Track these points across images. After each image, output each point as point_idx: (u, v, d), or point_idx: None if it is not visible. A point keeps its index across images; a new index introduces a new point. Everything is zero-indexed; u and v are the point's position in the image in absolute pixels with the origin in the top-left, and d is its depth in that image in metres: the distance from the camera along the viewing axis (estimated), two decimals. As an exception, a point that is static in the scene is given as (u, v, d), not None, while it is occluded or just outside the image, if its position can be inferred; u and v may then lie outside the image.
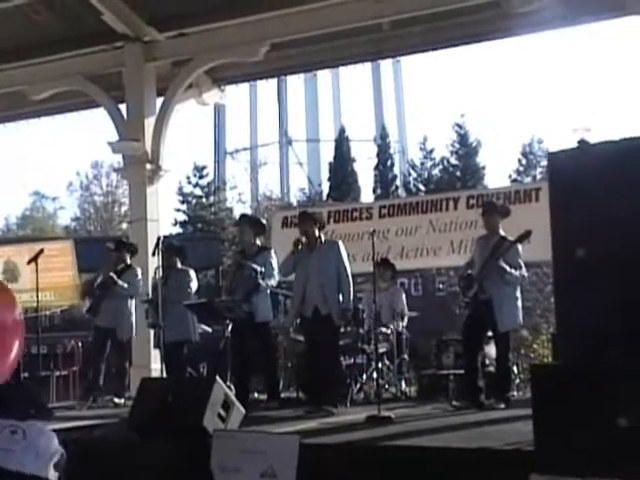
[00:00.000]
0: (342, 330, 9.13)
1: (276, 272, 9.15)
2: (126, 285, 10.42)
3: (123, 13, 11.96)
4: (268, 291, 9.23)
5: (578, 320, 5.17)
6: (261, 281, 8.96)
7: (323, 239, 8.77)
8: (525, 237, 8.39)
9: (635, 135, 5.27)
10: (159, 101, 12.64)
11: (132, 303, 10.51)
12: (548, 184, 5.65)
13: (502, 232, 8.65)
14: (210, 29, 11.95)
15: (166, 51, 12.49)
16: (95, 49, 12.61)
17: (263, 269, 8.99)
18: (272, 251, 9.38)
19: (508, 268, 8.30)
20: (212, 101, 13.66)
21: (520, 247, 8.47)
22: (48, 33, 12.45)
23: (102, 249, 11.30)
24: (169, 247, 9.51)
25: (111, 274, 10.28)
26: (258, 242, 9.49)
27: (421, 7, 10.69)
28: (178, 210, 34.10)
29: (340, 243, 8.77)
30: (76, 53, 12.61)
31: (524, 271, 8.51)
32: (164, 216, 13.08)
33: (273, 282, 9.21)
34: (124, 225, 39.32)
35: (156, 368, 10.94)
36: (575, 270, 5.23)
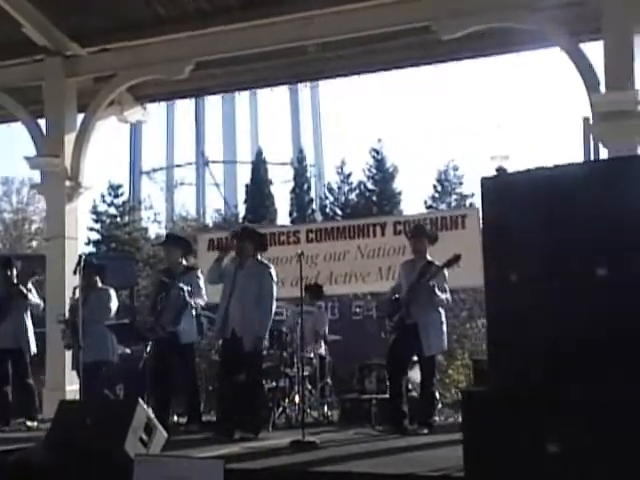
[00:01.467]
0: (265, 353, 9.02)
1: (204, 292, 9.03)
2: (38, 301, 10.13)
3: (44, 26, 11.76)
4: (194, 312, 9.07)
5: (508, 345, 5.19)
6: (190, 300, 8.81)
7: (257, 260, 8.59)
8: (454, 261, 8.46)
9: (566, 163, 5.36)
10: (80, 117, 12.39)
11: (29, 319, 10.16)
12: (481, 209, 5.67)
13: (429, 257, 8.69)
14: (134, 45, 11.79)
15: (88, 66, 12.28)
16: (14, 62, 12.33)
17: (189, 288, 8.84)
18: (199, 271, 9.22)
19: (437, 290, 8.33)
20: (134, 119, 13.48)
21: (446, 272, 8.52)
22: (-36, 44, 12.14)
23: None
24: (89, 265, 9.26)
25: (21, 287, 9.93)
26: (184, 262, 9.35)
27: (350, 30, 10.70)
28: (92, 229, 33.51)
29: (272, 268, 8.54)
30: (-6, 65, 12.31)
31: (449, 295, 8.58)
32: (81, 234, 12.81)
33: (201, 302, 9.07)
34: (34, 243, 38.52)
35: (71, 390, 10.67)
36: (507, 295, 5.25)
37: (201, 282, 9.05)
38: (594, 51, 9.65)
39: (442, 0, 10.15)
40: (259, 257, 8.63)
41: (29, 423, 9.79)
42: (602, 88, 9.34)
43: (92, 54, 12.17)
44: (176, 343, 8.86)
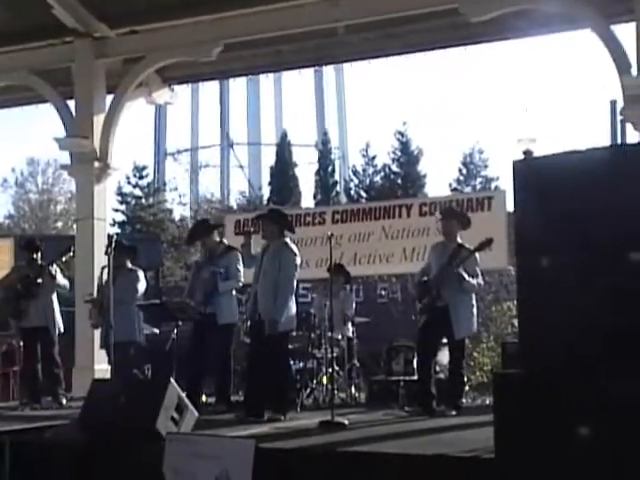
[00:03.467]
0: (293, 334, 9.06)
1: (241, 274, 9.07)
2: (64, 282, 10.25)
3: (74, 8, 11.80)
4: (233, 292, 9.15)
5: (539, 328, 5.20)
6: (220, 284, 8.87)
7: (282, 242, 8.48)
8: (486, 245, 8.45)
9: (599, 146, 5.35)
10: (108, 98, 12.46)
11: (56, 299, 10.30)
12: (512, 192, 5.65)
13: (459, 239, 8.69)
14: (163, 27, 11.83)
15: (117, 48, 12.32)
16: (44, 43, 12.41)
17: (222, 270, 8.91)
18: (238, 252, 9.19)
19: (466, 276, 8.34)
20: (162, 100, 13.51)
21: (477, 255, 8.52)
22: (-4, 25, 12.22)
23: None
24: (119, 246, 9.33)
25: (50, 268, 10.04)
26: (225, 241, 9.44)
27: (376, 12, 10.69)
28: (117, 210, 33.69)
29: (295, 251, 8.39)
30: (24, 47, 12.39)
31: (481, 279, 8.59)
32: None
33: (237, 284, 9.14)
34: (59, 224, 38.77)
35: (100, 369, 10.79)
36: (538, 279, 5.25)
37: (240, 263, 9.06)
38: (626, 33, 9.60)
39: (471, -19, 10.08)
40: (286, 239, 8.59)
41: (63, 400, 9.97)
42: (634, 71, 9.27)
43: (121, 36, 12.23)
44: (214, 324, 8.93)
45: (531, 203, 5.38)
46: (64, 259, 10.42)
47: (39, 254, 10.25)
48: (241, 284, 9.24)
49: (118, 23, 12.06)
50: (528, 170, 5.51)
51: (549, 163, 5.51)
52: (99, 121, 12.24)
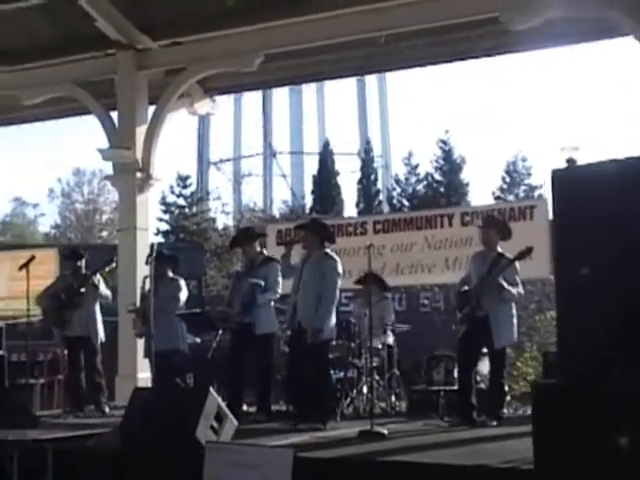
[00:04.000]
0: (333, 344, 9.08)
1: (280, 285, 9.12)
2: (107, 292, 10.35)
3: (116, 20, 11.93)
4: (272, 303, 9.22)
5: (580, 338, 5.16)
6: (259, 296, 8.94)
7: (323, 252, 8.58)
8: (526, 254, 8.38)
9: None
10: (150, 109, 12.58)
11: (98, 309, 10.40)
12: (552, 202, 5.62)
13: (499, 249, 8.65)
14: (204, 38, 11.93)
15: (159, 59, 12.46)
16: (87, 56, 12.58)
17: (263, 283, 8.96)
18: (277, 263, 9.25)
19: (506, 285, 8.30)
20: (203, 111, 13.64)
21: (518, 264, 8.47)
22: (41, 38, 12.45)
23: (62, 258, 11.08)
24: (160, 255, 9.42)
25: (93, 278, 10.16)
26: (265, 252, 9.50)
27: (419, 21, 10.70)
28: (161, 220, 34.00)
29: (337, 261, 8.50)
30: (68, 59, 12.58)
31: (521, 289, 8.52)
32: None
33: (274, 296, 9.19)
34: (104, 233, 39.23)
35: (142, 377, 10.88)
36: (578, 288, 5.21)
37: (279, 273, 9.10)
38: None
39: (510, -9, 10.05)
40: (326, 249, 8.66)
41: (106, 408, 10.06)
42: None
43: (163, 47, 12.35)
44: (251, 333, 8.97)
45: (570, 212, 5.34)
46: (107, 269, 10.54)
47: (83, 263, 10.36)
48: (279, 295, 9.27)
49: (160, 35, 12.18)
50: (567, 179, 5.48)
51: (588, 172, 5.49)
52: (141, 132, 12.35)
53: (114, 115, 12.65)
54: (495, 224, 8.97)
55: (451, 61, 11.98)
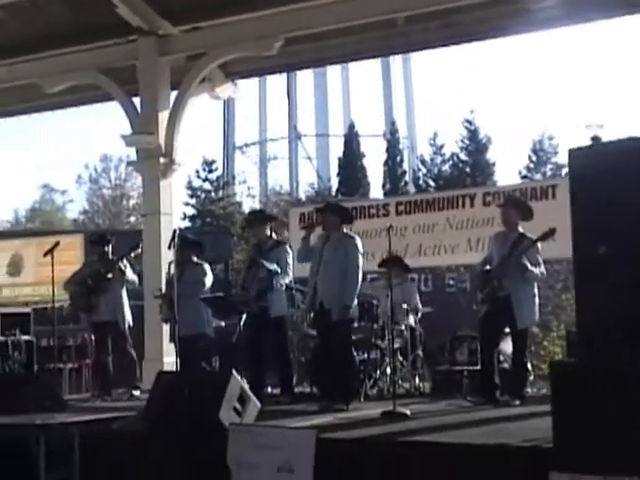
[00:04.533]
0: (356, 325, 9.12)
1: (290, 268, 9.19)
2: (134, 277, 10.44)
3: (137, 6, 11.98)
4: (283, 287, 9.28)
5: (598, 318, 5.17)
6: (275, 282, 9.06)
7: (342, 232, 8.66)
8: (549, 235, 8.33)
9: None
10: (173, 95, 12.63)
11: (125, 294, 10.51)
12: (569, 181, 5.61)
13: (521, 229, 8.64)
14: (224, 23, 11.95)
15: (180, 45, 12.48)
16: (109, 42, 12.63)
17: (279, 269, 9.04)
18: (287, 246, 9.39)
19: (529, 265, 8.28)
20: (225, 95, 13.66)
21: (539, 245, 8.45)
22: (62, 26, 12.48)
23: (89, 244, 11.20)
24: (184, 241, 9.48)
25: (120, 263, 10.26)
26: (274, 236, 9.54)
27: (434, 2, 10.67)
28: (187, 204, 34.07)
29: (358, 240, 8.60)
30: (90, 46, 12.63)
31: (543, 269, 8.50)
32: (175, 210, 13.09)
33: (287, 279, 9.27)
34: (132, 218, 39.41)
35: (169, 362, 10.97)
36: (596, 268, 5.21)
37: (289, 257, 9.20)
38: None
39: (531, -32, 9.99)
40: (345, 230, 8.72)
41: (134, 392, 10.13)
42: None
43: (184, 33, 12.38)
44: (267, 317, 9.06)
45: (587, 191, 5.35)
46: (133, 254, 10.63)
47: (110, 248, 10.46)
48: (291, 278, 9.35)
49: (180, 20, 12.21)
50: (584, 158, 5.48)
51: (606, 150, 5.48)
52: (164, 117, 12.40)
53: (137, 101, 12.70)
54: (515, 204, 8.96)
55: (468, 41, 11.92)
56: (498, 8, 10.77)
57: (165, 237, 11.64)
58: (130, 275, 10.42)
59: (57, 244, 9.50)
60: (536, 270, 8.37)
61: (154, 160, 12.36)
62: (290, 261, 9.18)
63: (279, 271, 9.08)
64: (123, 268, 10.28)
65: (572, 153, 5.62)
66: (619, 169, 5.19)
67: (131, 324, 10.51)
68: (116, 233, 13.63)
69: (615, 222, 5.15)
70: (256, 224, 9.68)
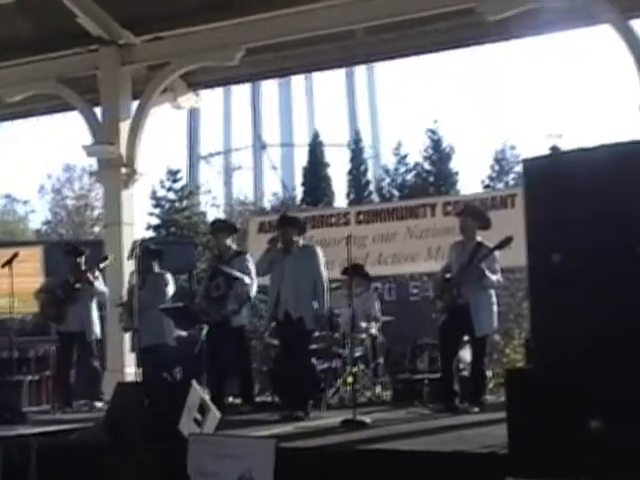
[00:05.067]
0: (317, 334, 9.16)
1: (254, 276, 9.20)
2: (102, 289, 10.40)
3: (98, 16, 11.92)
4: (252, 295, 9.30)
5: (551, 324, 5.24)
6: (252, 294, 9.14)
7: (301, 244, 8.75)
8: (506, 243, 8.42)
9: (607, 142, 5.36)
10: (134, 104, 12.60)
11: (95, 305, 10.47)
12: (523, 190, 5.70)
13: (479, 238, 8.72)
14: (186, 33, 11.93)
15: (142, 55, 12.44)
16: (70, 52, 12.55)
17: (245, 277, 9.04)
18: (248, 255, 9.41)
19: (487, 272, 8.37)
20: (187, 105, 13.64)
21: (497, 253, 8.54)
22: (22, 35, 12.36)
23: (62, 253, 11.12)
24: (146, 250, 9.49)
25: (89, 275, 10.21)
26: (234, 246, 9.55)
27: (394, 14, 10.73)
28: (151, 214, 33.95)
29: (318, 249, 8.72)
30: (51, 56, 12.53)
31: (500, 277, 8.61)
32: (137, 220, 13.02)
33: (254, 289, 9.28)
34: (96, 229, 39.12)
35: (130, 372, 10.92)
36: (550, 276, 5.28)
37: (251, 265, 9.20)
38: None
39: (486, -19, 10.08)
40: (301, 241, 8.79)
41: (96, 404, 10.07)
42: (653, 65, 9.23)
43: (145, 42, 12.33)
44: (228, 327, 9.06)
45: (541, 201, 5.41)
46: (102, 266, 10.57)
47: (83, 260, 10.42)
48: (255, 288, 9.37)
49: (142, 30, 12.18)
50: (538, 168, 5.56)
51: (558, 161, 5.55)
52: (125, 127, 12.34)
53: (98, 111, 12.64)
54: (472, 213, 9.05)
55: (431, 52, 12.03)
56: (457, 19, 10.84)
57: (127, 247, 11.58)
58: (100, 287, 10.37)
59: (15, 255, 9.46)
60: (494, 277, 8.47)
61: (115, 170, 12.30)
62: (253, 270, 9.18)
63: (245, 280, 9.08)
64: (92, 279, 10.23)
65: (526, 163, 5.72)
66: (571, 179, 5.27)
67: (99, 336, 10.46)
68: (88, 244, 13.54)
69: (568, 230, 5.23)
70: (219, 233, 9.69)
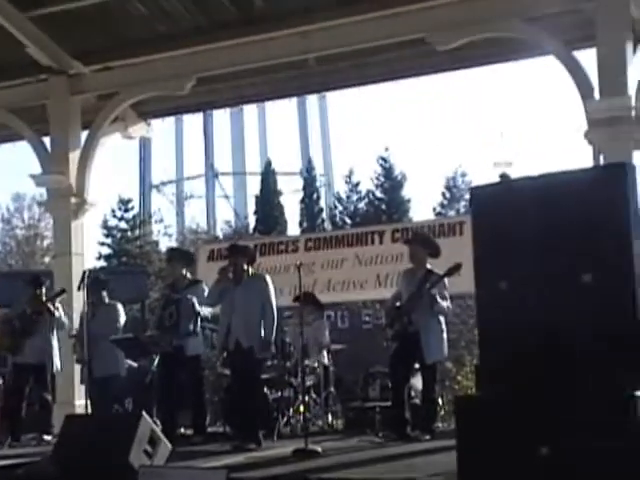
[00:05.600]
0: (269, 364, 9.16)
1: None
2: (64, 318, 10.25)
3: (47, 46, 11.87)
4: (199, 324, 9.24)
5: (499, 351, 5.29)
6: (200, 310, 9.06)
7: (250, 272, 8.76)
8: (455, 270, 8.50)
9: (553, 171, 5.46)
10: (84, 134, 12.53)
11: (55, 337, 10.32)
12: (471, 218, 5.77)
13: (428, 265, 8.79)
14: (136, 63, 11.92)
15: (91, 84, 12.40)
16: (19, 82, 12.48)
17: (199, 302, 9.03)
18: (203, 284, 9.36)
19: (438, 298, 8.43)
20: (138, 135, 13.60)
21: (446, 280, 8.61)
22: (-30, 66, 12.31)
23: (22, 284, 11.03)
24: (95, 281, 9.43)
25: (49, 305, 10.08)
26: (188, 275, 9.54)
27: (346, 43, 10.81)
28: (102, 244, 33.75)
29: (267, 277, 8.77)
30: (0, 85, 12.47)
31: (450, 303, 8.67)
32: (88, 250, 12.93)
33: (207, 314, 9.28)
34: (47, 259, 38.69)
35: (81, 404, 10.78)
36: (497, 302, 5.35)
37: (205, 294, 9.18)
38: (588, 58, 9.74)
39: (435, 12, 10.17)
40: (250, 270, 8.80)
41: (45, 437, 9.91)
42: (596, 95, 9.40)
43: (95, 72, 12.28)
44: (182, 356, 9.02)
45: (488, 228, 5.49)
46: (59, 299, 10.43)
47: (43, 290, 10.28)
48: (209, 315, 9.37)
49: (91, 60, 12.13)
50: (485, 196, 5.64)
51: (504, 189, 5.64)
52: (75, 157, 12.27)
53: (47, 141, 12.56)
54: (421, 240, 9.12)
55: (383, 81, 12.12)
56: (406, 50, 10.98)
57: (76, 278, 11.43)
58: (62, 318, 10.22)
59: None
60: (444, 303, 8.53)
61: (65, 200, 12.22)
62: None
63: (200, 311, 9.06)
64: (53, 310, 10.09)
65: (473, 191, 5.81)
66: (517, 207, 5.36)
67: (59, 368, 10.32)
68: (48, 274, 13.39)
69: (514, 258, 5.30)
70: (175, 262, 9.63)
